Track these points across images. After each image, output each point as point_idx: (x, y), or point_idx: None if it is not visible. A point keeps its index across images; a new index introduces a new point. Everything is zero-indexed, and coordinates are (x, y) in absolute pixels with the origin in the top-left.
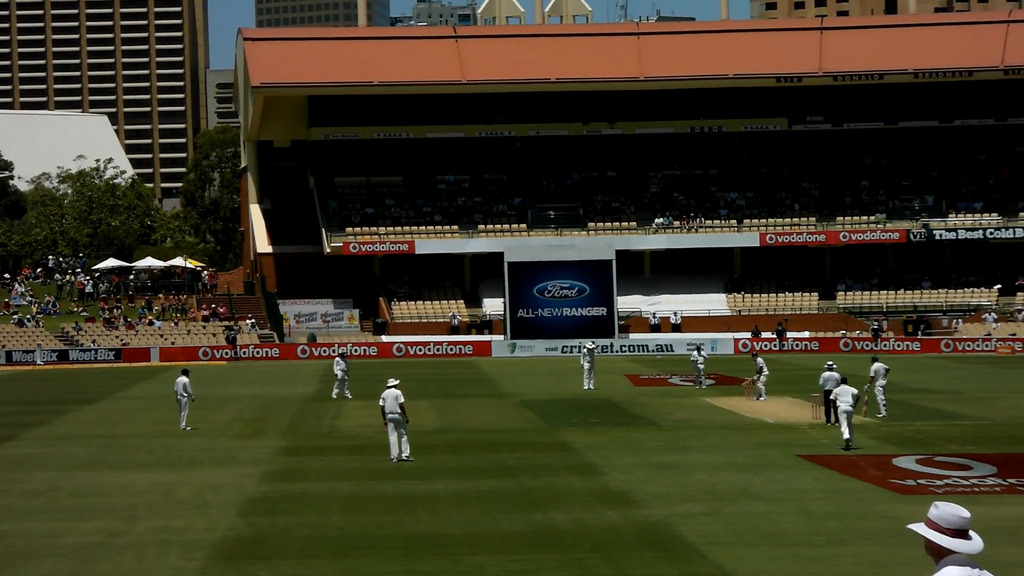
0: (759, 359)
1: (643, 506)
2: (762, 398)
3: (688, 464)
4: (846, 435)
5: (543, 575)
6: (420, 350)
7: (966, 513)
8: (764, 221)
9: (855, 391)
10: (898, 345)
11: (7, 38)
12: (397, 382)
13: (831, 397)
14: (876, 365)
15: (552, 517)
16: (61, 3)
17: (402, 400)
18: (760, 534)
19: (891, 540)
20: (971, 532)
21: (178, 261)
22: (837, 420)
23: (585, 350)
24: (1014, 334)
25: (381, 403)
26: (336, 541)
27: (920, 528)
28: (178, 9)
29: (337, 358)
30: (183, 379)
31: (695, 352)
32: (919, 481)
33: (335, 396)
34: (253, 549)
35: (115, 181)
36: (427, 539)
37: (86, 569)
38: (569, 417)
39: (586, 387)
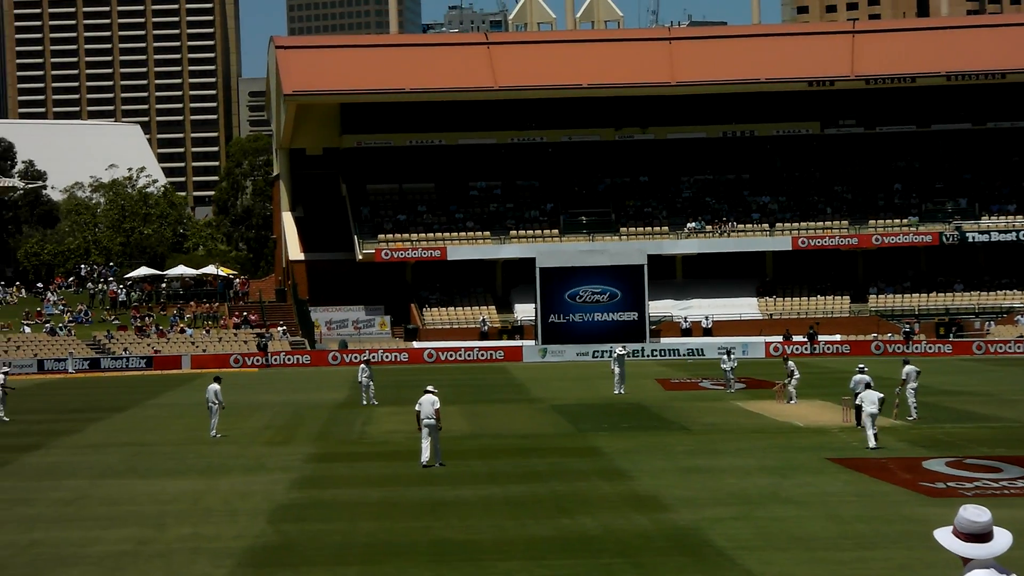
0: (790, 362)
1: (672, 510)
2: (793, 401)
3: (718, 468)
4: (871, 443)
5: None
6: (451, 356)
7: (981, 517)
8: (796, 225)
9: (881, 395)
10: (930, 348)
11: (40, 48)
12: (435, 389)
13: (857, 401)
14: (908, 368)
15: (581, 522)
16: (93, 13)
17: (438, 406)
18: (789, 538)
19: (920, 543)
20: (997, 531)
21: (210, 269)
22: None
23: (616, 355)
24: None
25: (417, 408)
26: (365, 548)
27: (939, 536)
28: (210, 18)
29: (362, 364)
30: (215, 386)
31: (725, 356)
32: (949, 484)
33: (364, 403)
34: (282, 557)
35: (148, 190)
36: (456, 545)
37: None
38: (599, 422)
39: (617, 392)
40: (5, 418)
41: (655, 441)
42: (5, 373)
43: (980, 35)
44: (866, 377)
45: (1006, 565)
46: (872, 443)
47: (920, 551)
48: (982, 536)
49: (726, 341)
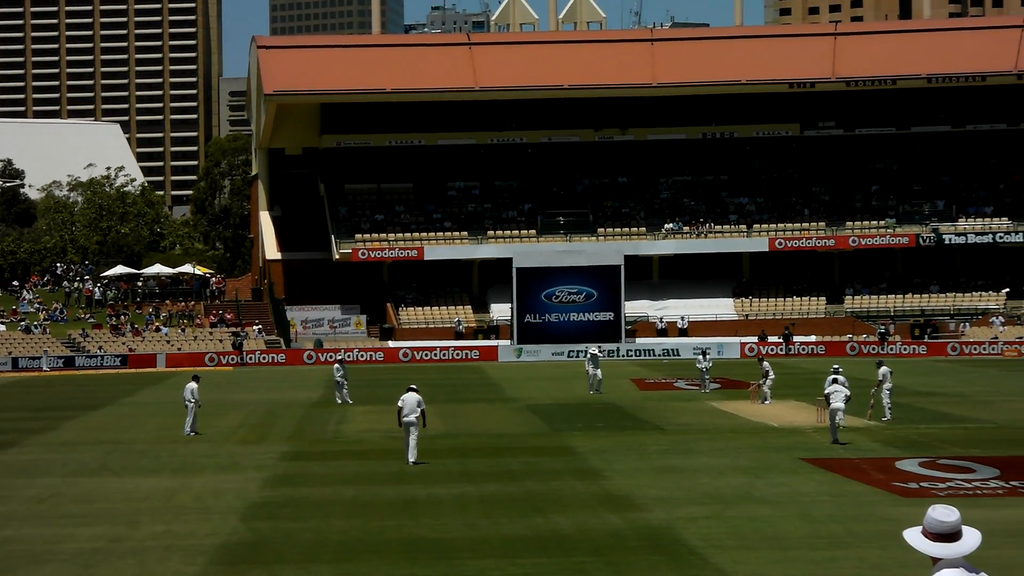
0: (765, 363)
1: (645, 510)
2: (767, 402)
3: (692, 468)
4: (833, 437)
5: None
6: (426, 355)
7: (950, 517)
8: (774, 226)
9: (847, 392)
10: (905, 348)
11: (21, 47)
12: (417, 387)
13: (831, 396)
14: (883, 369)
15: (554, 521)
16: (75, 12)
17: (423, 406)
18: (762, 537)
19: (893, 543)
20: (966, 531)
21: (186, 268)
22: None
23: (589, 355)
24: (1021, 337)
25: (400, 405)
26: (338, 546)
27: (908, 536)
28: (192, 17)
29: (336, 364)
30: (192, 384)
31: (700, 356)
32: (922, 484)
33: (339, 402)
34: (254, 554)
35: (125, 189)
36: (429, 543)
37: (87, 574)
38: (574, 422)
39: (591, 392)
40: None
41: (629, 441)
42: None
43: (961, 38)
44: (841, 378)
45: (976, 564)
46: (833, 436)
47: (893, 551)
48: (951, 536)
49: (702, 341)
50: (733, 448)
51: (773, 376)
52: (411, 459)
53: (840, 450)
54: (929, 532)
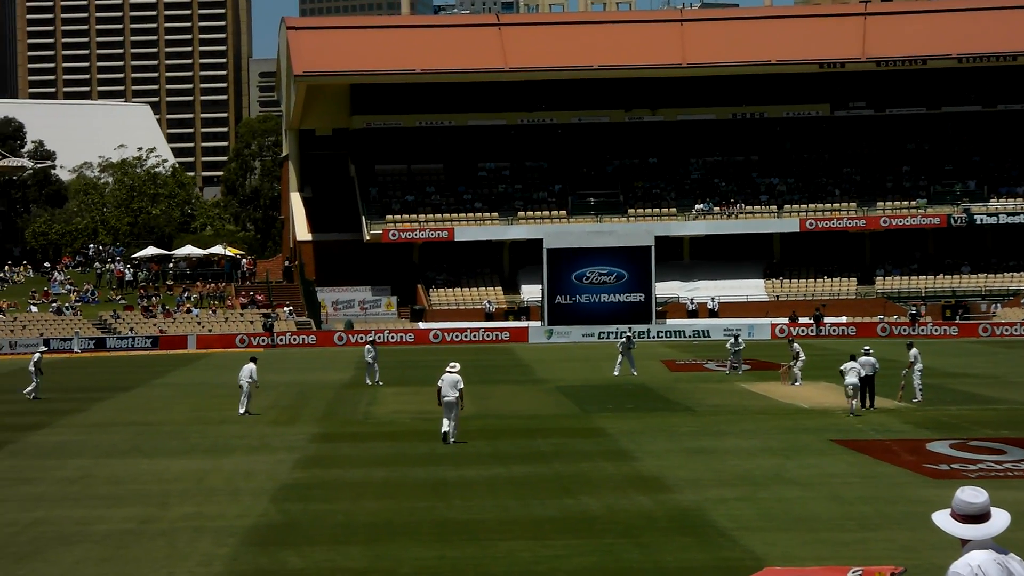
0: (795, 344)
1: (675, 491)
2: (798, 383)
3: (722, 449)
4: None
5: (574, 560)
6: (457, 336)
7: (978, 499)
8: (804, 206)
9: (861, 371)
10: (935, 330)
11: (51, 28)
12: (458, 367)
13: (845, 372)
14: (913, 351)
15: (584, 502)
16: None
17: (462, 386)
18: (792, 519)
19: (923, 525)
20: (995, 512)
21: (217, 249)
22: (872, 405)
23: (624, 338)
24: None
25: (440, 384)
26: (368, 527)
27: (937, 518)
28: None
29: (368, 345)
30: (251, 366)
31: (732, 339)
32: (952, 466)
33: (368, 383)
34: (285, 536)
35: (156, 170)
36: (459, 525)
37: (117, 555)
38: (604, 403)
39: (616, 373)
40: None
41: (660, 422)
42: (42, 352)
43: (991, 17)
44: (872, 359)
45: (1005, 546)
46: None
47: (923, 532)
48: (979, 517)
49: (732, 323)
50: (763, 430)
51: (804, 358)
52: (448, 431)
53: (870, 432)
54: (958, 514)
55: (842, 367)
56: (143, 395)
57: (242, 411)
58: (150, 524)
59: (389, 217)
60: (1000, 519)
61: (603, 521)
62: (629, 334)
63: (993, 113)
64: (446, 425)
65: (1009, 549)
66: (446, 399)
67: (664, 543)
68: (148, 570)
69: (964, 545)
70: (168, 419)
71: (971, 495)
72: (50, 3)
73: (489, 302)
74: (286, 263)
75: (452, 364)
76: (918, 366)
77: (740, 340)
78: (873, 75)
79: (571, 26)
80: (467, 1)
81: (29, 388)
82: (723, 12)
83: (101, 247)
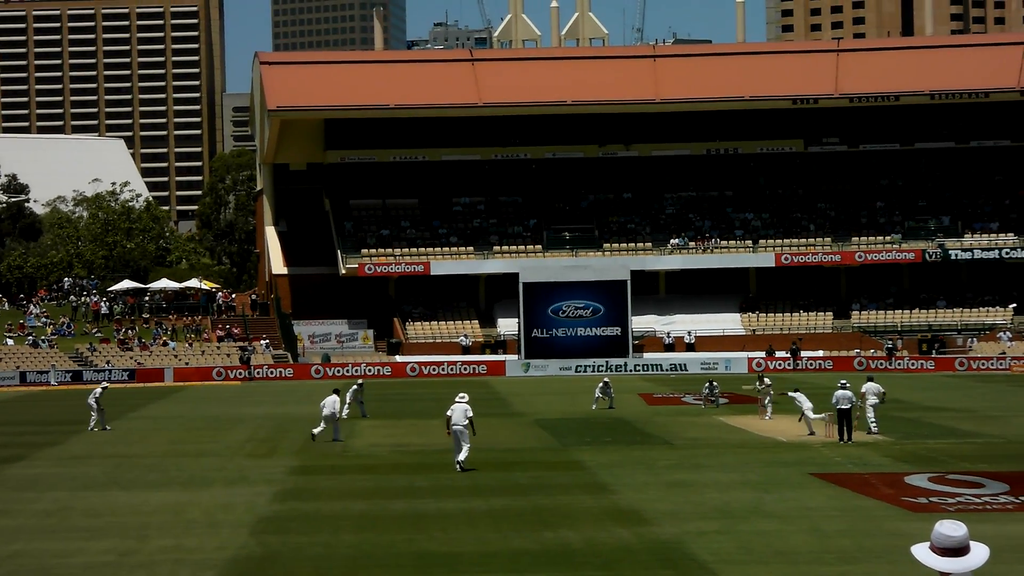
0: (766, 379)
1: (655, 524)
2: (768, 417)
3: (700, 482)
4: (809, 430)
5: None
6: (434, 370)
7: (957, 532)
8: (780, 242)
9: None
10: (912, 364)
11: (24, 63)
12: (467, 397)
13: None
14: (868, 384)
15: (563, 535)
16: (78, 28)
17: (471, 415)
18: (771, 552)
19: (902, 558)
20: (974, 546)
21: (193, 283)
22: (850, 439)
23: (602, 383)
24: None
25: (448, 414)
26: (347, 559)
27: (916, 551)
28: (195, 33)
29: (354, 387)
30: (334, 397)
31: (708, 386)
32: (931, 499)
33: (345, 416)
34: (264, 568)
35: (130, 204)
36: (438, 557)
37: None
38: (582, 436)
39: (594, 407)
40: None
41: (638, 456)
42: (103, 387)
43: (964, 54)
44: (848, 392)
45: None
46: (810, 429)
47: (903, 565)
48: (958, 551)
49: (709, 356)
50: (742, 463)
51: (771, 393)
52: (459, 460)
53: (849, 465)
54: (937, 547)
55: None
56: (120, 428)
57: (338, 437)
58: (129, 557)
59: (364, 251)
60: (979, 553)
61: (582, 554)
62: (607, 379)
63: (966, 149)
64: (461, 454)
65: None
66: (455, 427)
67: None
68: None
69: None
70: (146, 452)
71: (950, 528)
72: (23, 37)
73: (465, 336)
74: (252, 297)
75: (461, 395)
76: (871, 400)
77: (716, 387)
78: (846, 111)
79: (544, 62)
80: (440, 36)
81: (92, 423)
82: (696, 48)
83: (76, 280)
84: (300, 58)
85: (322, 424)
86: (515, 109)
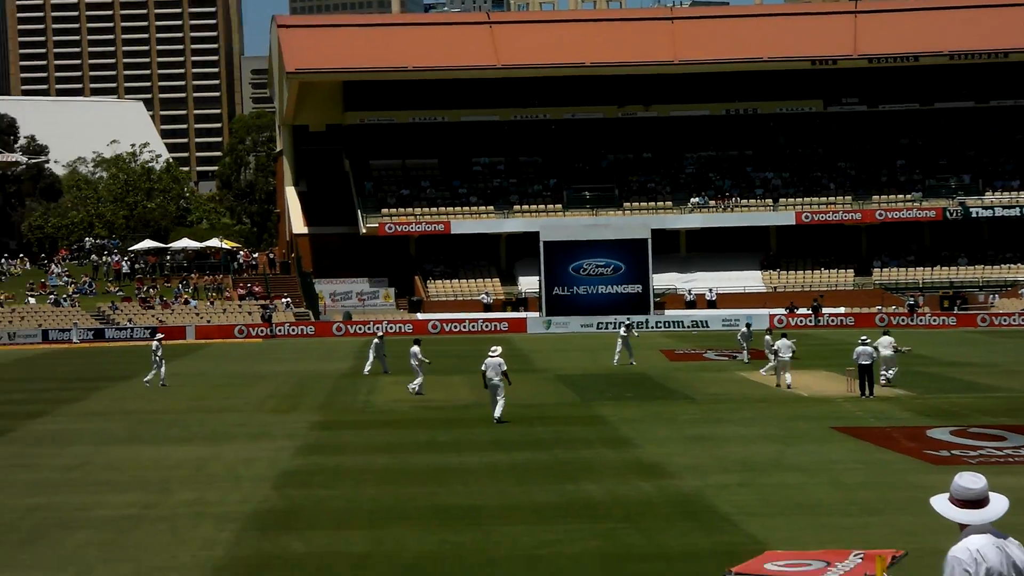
0: (781, 341)
1: (676, 477)
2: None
3: (722, 436)
4: (788, 381)
5: (576, 545)
6: (456, 327)
7: (976, 484)
8: (800, 200)
9: (792, 346)
10: (934, 320)
11: (42, 26)
12: (499, 351)
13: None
14: (882, 338)
15: (585, 488)
16: None
17: (504, 368)
18: (793, 504)
19: (924, 510)
20: (993, 497)
21: (214, 242)
22: (871, 393)
23: (623, 326)
24: None
25: (483, 368)
26: (369, 513)
27: (935, 503)
28: None
29: (375, 340)
30: (415, 348)
31: (744, 330)
32: (953, 452)
33: (367, 373)
34: (286, 521)
35: (150, 165)
36: (460, 510)
37: (119, 540)
38: (604, 391)
39: (615, 362)
40: (165, 383)
41: (660, 410)
42: (159, 340)
43: (982, 15)
44: (869, 348)
45: (1004, 530)
46: (788, 380)
47: (924, 517)
48: (978, 502)
49: (731, 313)
50: (763, 417)
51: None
52: (497, 415)
53: (870, 419)
54: (956, 499)
55: (776, 344)
56: (141, 385)
57: (414, 389)
58: (151, 510)
59: (385, 211)
60: (998, 504)
61: (604, 506)
62: (628, 322)
63: (986, 109)
64: (497, 410)
65: (1008, 534)
66: (491, 382)
67: (666, 528)
68: (150, 554)
69: (963, 530)
70: (168, 407)
71: (970, 480)
72: (40, 1)
73: (487, 294)
74: (269, 255)
75: (494, 348)
76: (885, 352)
77: (751, 329)
78: (865, 72)
79: (562, 24)
80: (457, 0)
81: (149, 376)
82: (714, 10)
83: (97, 240)
84: (318, 21)
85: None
86: (533, 71)
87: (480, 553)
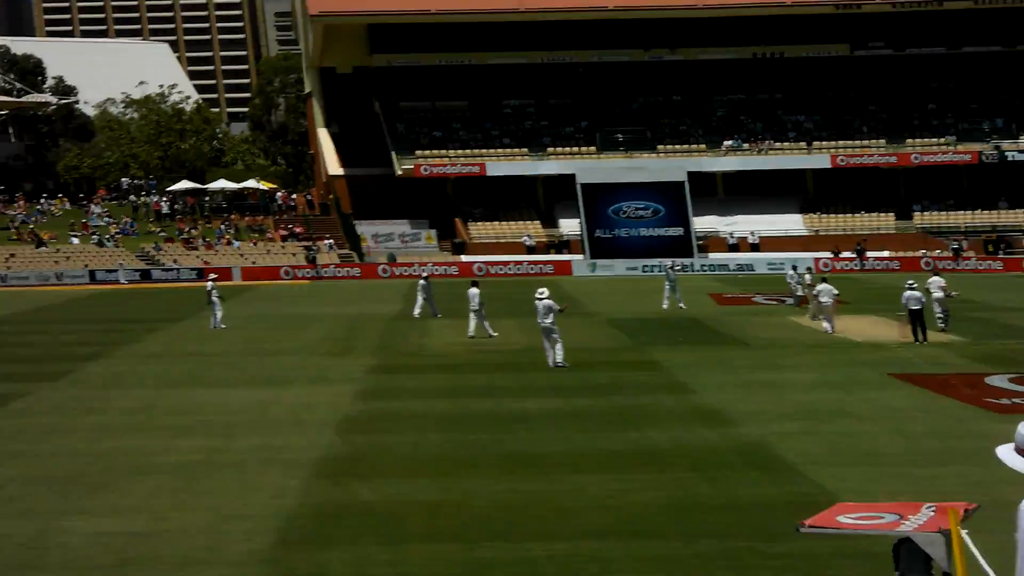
0: (821, 285)
1: (738, 425)
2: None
3: (780, 383)
4: (827, 327)
5: (646, 494)
6: (501, 269)
7: None
8: (833, 143)
9: (834, 291)
10: (980, 264)
11: None
12: (547, 292)
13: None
14: (932, 279)
15: (649, 436)
16: None
17: (557, 308)
18: (859, 453)
19: (991, 460)
20: None
21: (251, 183)
22: (925, 339)
23: (668, 270)
24: None
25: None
26: (435, 460)
27: (1001, 453)
28: None
29: (422, 280)
30: (474, 290)
31: (791, 271)
32: (1014, 400)
33: (417, 315)
34: (353, 468)
35: (180, 106)
36: (526, 458)
37: (190, 487)
38: (656, 336)
39: (664, 306)
40: (222, 324)
41: (714, 356)
42: (213, 280)
43: None
44: (917, 292)
45: None
46: (827, 325)
47: (992, 467)
48: None
49: (775, 256)
50: (819, 363)
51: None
52: (556, 360)
53: (927, 366)
54: (1022, 448)
55: (817, 288)
56: (194, 326)
57: (471, 334)
58: (218, 455)
59: (419, 152)
60: None
61: (671, 455)
62: (671, 264)
63: (1013, 53)
64: (549, 354)
65: None
66: (542, 325)
67: (734, 477)
68: (222, 502)
69: None
70: (222, 350)
71: None
72: None
73: (529, 236)
74: (307, 197)
75: (541, 290)
76: (936, 294)
77: (799, 273)
78: (891, 16)
79: None
80: None
81: (219, 319)
82: None
83: (134, 180)
84: None
85: (473, 322)
86: (556, 14)
87: (549, 502)
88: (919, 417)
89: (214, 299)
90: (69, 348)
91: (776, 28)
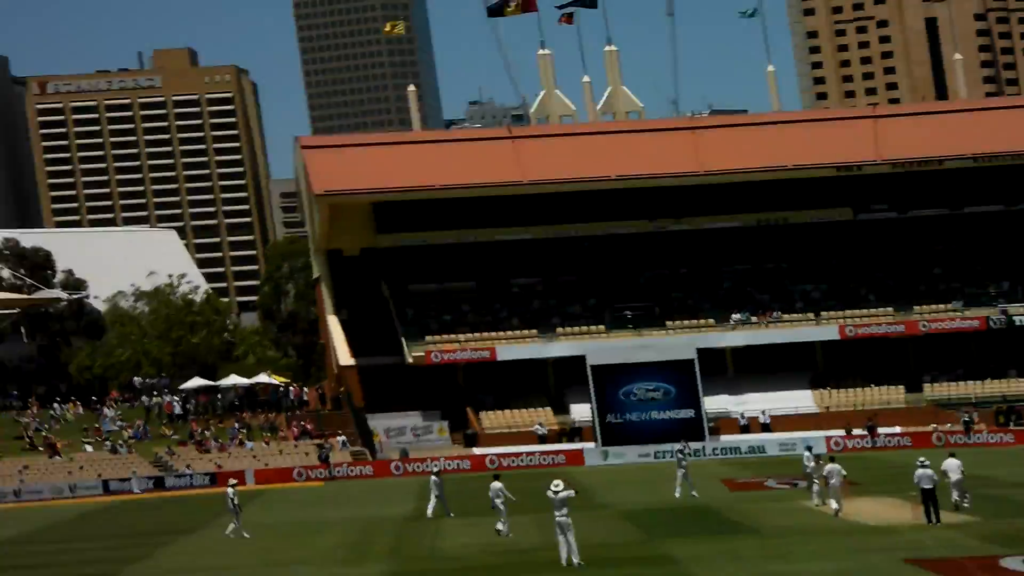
0: (828, 466)
1: None
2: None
3: (794, 573)
4: (836, 507)
5: None
6: (513, 461)
7: None
8: (841, 313)
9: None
10: (991, 437)
11: (68, 155)
12: (562, 484)
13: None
14: (948, 461)
15: None
16: (118, 119)
17: (570, 494)
18: None
19: None
20: None
21: (262, 377)
22: (938, 520)
23: (678, 453)
24: None
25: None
26: None
27: None
28: (233, 120)
29: (433, 477)
30: (497, 484)
31: (807, 452)
32: None
33: (429, 516)
34: None
35: (190, 297)
36: None
37: None
38: (669, 527)
39: (677, 494)
40: (245, 534)
41: (727, 547)
42: (233, 486)
43: (1003, 116)
44: (929, 471)
45: None
46: (835, 505)
47: None
48: None
49: (787, 437)
50: (832, 551)
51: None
52: (573, 560)
53: (942, 549)
54: None
55: (827, 469)
56: (208, 537)
57: (500, 528)
58: None
59: (428, 338)
60: None
61: None
62: (681, 447)
63: (1015, 212)
64: (563, 550)
65: None
66: (558, 519)
67: None
68: None
69: None
70: (239, 563)
71: None
72: (63, 130)
73: (540, 424)
74: (318, 390)
75: (556, 482)
76: (954, 476)
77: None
78: (892, 177)
79: (584, 137)
80: (477, 115)
81: (231, 528)
82: (734, 119)
83: (146, 380)
84: (341, 141)
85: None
86: (559, 186)
87: None
88: None
89: (234, 505)
90: (81, 567)
91: (779, 194)
